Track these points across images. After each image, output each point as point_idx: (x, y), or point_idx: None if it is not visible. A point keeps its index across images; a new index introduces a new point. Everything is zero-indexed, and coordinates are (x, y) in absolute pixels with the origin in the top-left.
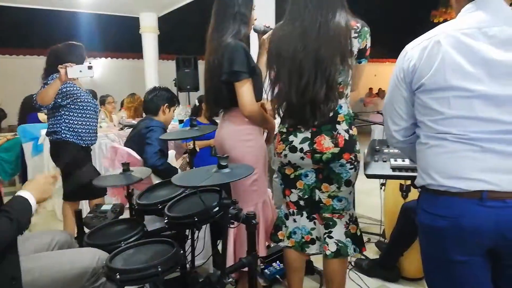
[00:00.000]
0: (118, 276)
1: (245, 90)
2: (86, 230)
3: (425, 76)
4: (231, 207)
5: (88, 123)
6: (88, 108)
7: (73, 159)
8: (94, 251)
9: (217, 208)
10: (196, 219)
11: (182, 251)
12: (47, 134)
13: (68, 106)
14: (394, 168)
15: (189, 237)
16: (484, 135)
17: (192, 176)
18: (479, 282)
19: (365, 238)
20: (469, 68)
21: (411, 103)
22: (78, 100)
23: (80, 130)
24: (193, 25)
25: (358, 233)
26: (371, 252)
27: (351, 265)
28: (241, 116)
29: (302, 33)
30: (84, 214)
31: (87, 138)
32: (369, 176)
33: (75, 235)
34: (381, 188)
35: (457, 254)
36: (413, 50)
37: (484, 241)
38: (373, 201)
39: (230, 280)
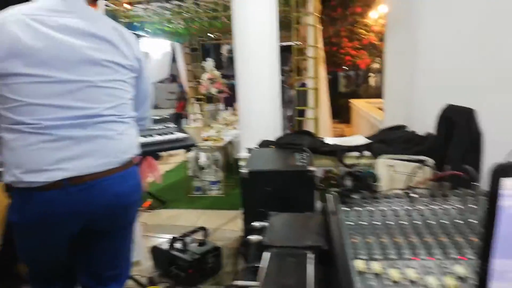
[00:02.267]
0: None
1: None
2: None
3: None
4: None
5: None
6: None
7: None
8: None
9: None
10: None
11: None
12: None
13: None
14: None
15: None
16: (58, 121)
17: None
18: (60, 261)
19: None
20: (40, 54)
21: None
22: None
23: None
24: None
25: None
26: None
27: None
28: None
29: None
30: None
31: None
32: None
33: None
34: None
35: (45, 244)
36: None
37: (72, 224)
38: None
39: None
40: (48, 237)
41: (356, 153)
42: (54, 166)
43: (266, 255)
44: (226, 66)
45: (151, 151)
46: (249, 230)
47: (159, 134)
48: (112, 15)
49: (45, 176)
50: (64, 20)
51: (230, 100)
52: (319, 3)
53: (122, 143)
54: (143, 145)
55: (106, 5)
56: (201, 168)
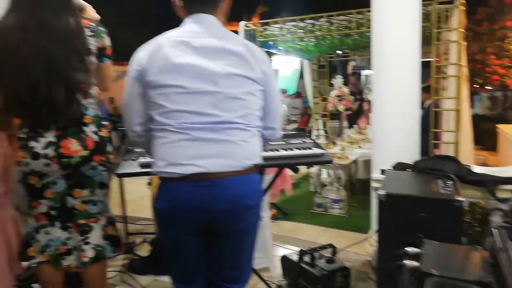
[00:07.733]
0: None
1: None
2: None
3: (152, 75)
4: None
5: None
6: None
7: None
8: None
9: None
10: None
11: None
12: None
13: None
14: (142, 166)
15: None
16: (196, 125)
17: None
18: (194, 256)
19: (140, 239)
20: (185, 70)
21: (145, 99)
22: None
23: None
24: None
25: (115, 234)
26: (147, 252)
27: (124, 268)
28: None
29: (20, 27)
30: None
31: None
32: (119, 176)
33: None
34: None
35: (178, 233)
36: (142, 52)
37: (198, 218)
38: (148, 202)
39: None
40: (177, 229)
41: (510, 186)
42: (187, 161)
43: (427, 283)
44: (352, 82)
45: (289, 164)
46: (398, 255)
47: (298, 149)
48: (250, 35)
49: (180, 169)
50: (204, 40)
51: (353, 118)
52: (464, 18)
53: (245, 149)
54: (282, 157)
55: (246, 25)
56: (323, 185)
